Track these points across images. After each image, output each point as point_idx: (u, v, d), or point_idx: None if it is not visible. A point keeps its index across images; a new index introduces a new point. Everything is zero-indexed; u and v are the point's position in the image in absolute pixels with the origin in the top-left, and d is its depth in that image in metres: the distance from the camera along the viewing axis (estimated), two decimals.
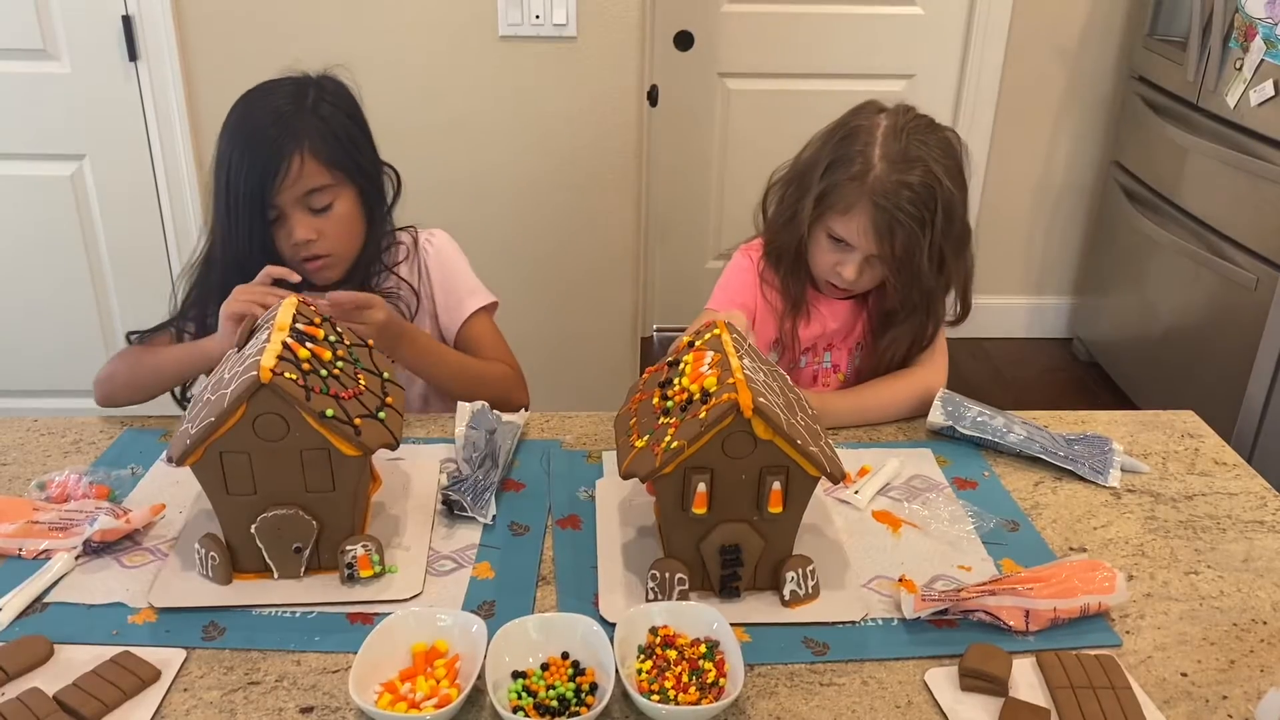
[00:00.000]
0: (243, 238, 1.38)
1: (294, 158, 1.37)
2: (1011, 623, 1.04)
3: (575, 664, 0.97)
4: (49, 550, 1.13)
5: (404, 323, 1.43)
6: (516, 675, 0.96)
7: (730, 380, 1.02)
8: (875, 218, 1.37)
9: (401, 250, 1.56)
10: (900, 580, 1.11)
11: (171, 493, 1.24)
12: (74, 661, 0.98)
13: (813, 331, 1.54)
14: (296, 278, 1.34)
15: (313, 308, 1.19)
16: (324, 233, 1.41)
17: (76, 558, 1.12)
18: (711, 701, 0.92)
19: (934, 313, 1.50)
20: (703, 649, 0.98)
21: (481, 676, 0.94)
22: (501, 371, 1.55)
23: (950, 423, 1.39)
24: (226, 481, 1.05)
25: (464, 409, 1.34)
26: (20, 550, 1.13)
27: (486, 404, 1.37)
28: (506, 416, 1.38)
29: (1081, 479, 1.32)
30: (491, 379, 1.52)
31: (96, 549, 1.14)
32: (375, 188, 1.49)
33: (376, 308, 1.34)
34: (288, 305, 1.15)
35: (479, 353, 1.57)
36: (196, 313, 1.47)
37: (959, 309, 1.53)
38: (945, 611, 1.06)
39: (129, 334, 1.53)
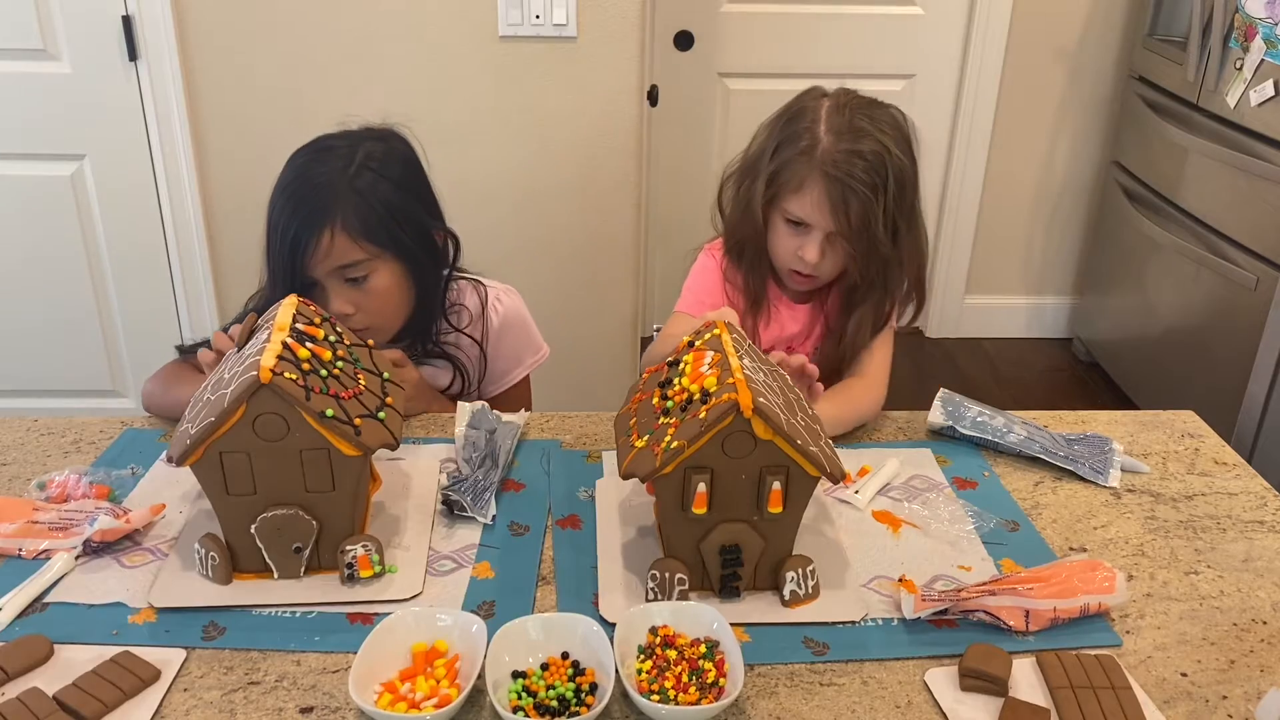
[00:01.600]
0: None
1: (324, 234, 1.34)
2: (1011, 623, 1.04)
3: (575, 664, 0.97)
4: (49, 550, 1.13)
5: (431, 389, 1.48)
6: (516, 675, 0.96)
7: (730, 380, 1.02)
8: (828, 189, 1.37)
9: (465, 315, 1.54)
10: (900, 580, 1.11)
11: (171, 493, 1.24)
12: (74, 661, 0.98)
13: (772, 333, 1.54)
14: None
15: (312, 307, 1.19)
16: (361, 306, 1.39)
17: (76, 558, 1.12)
18: (711, 701, 0.92)
19: (890, 290, 1.49)
20: (703, 649, 0.98)
21: (481, 676, 0.95)
22: None
23: (950, 422, 1.39)
24: (226, 481, 1.05)
25: (464, 409, 1.34)
26: (20, 550, 1.13)
27: (486, 404, 1.37)
28: (506, 416, 1.38)
29: (1081, 479, 1.32)
30: None
31: (96, 549, 1.14)
32: (421, 257, 1.44)
33: (409, 367, 1.40)
34: (287, 305, 1.14)
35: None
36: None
37: (915, 299, 1.51)
38: (945, 611, 1.06)
39: (178, 345, 1.51)
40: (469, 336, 1.54)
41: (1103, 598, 1.06)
